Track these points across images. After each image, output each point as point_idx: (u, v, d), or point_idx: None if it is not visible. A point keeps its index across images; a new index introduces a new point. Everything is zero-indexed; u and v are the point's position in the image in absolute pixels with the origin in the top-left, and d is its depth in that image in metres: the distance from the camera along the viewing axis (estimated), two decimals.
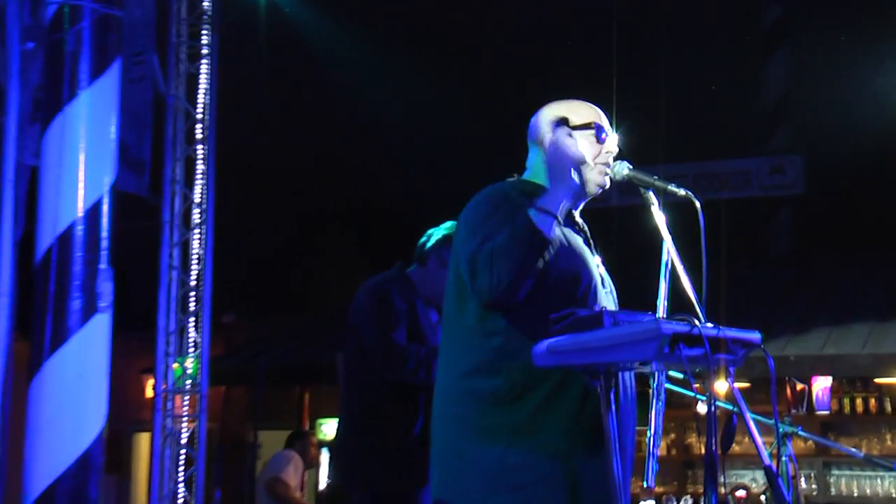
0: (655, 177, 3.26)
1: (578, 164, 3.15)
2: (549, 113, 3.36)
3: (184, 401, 9.08)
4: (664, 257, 3.22)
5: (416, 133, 17.53)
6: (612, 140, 3.34)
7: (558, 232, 3.03)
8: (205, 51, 9.30)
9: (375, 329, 4.64)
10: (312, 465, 9.55)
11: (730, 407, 3.99)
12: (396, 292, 4.73)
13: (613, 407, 2.90)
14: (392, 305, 4.69)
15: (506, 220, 3.02)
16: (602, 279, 3.28)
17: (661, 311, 3.19)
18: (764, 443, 2.98)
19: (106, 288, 5.02)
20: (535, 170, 3.34)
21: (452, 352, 3.16)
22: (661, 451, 10.87)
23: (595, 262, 3.28)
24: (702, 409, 3.01)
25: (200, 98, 9.29)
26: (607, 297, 3.27)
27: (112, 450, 15.62)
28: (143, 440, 14.56)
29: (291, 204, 18.61)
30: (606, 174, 3.29)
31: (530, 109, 3.45)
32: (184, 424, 9.03)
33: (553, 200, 3.03)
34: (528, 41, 17.55)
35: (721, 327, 2.92)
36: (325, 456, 13.53)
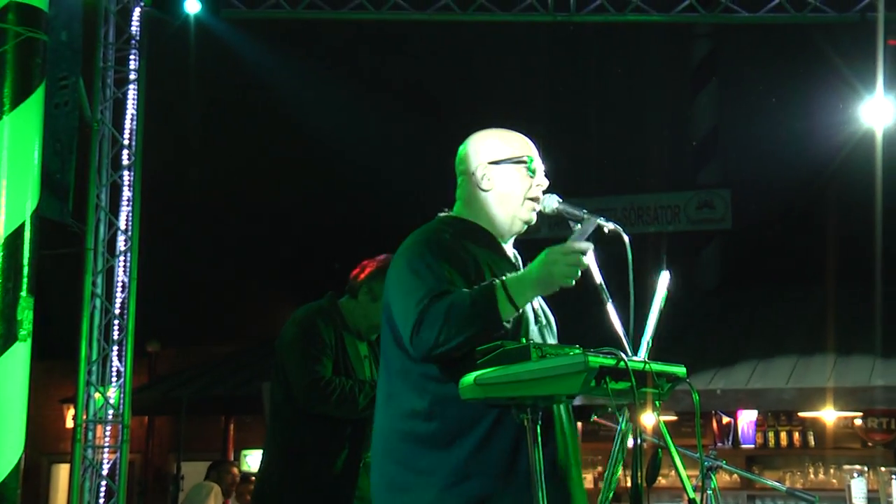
0: (584, 210, 3.24)
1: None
2: (481, 145, 3.30)
3: (105, 431, 8.91)
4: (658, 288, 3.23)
5: (346, 162, 17.50)
6: (543, 175, 3.31)
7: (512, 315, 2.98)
8: (132, 76, 9.22)
9: (300, 361, 4.58)
10: (231, 493, 9.45)
11: (655, 440, 3.99)
12: (324, 324, 4.67)
13: (551, 440, 2.91)
14: (319, 337, 4.63)
15: (449, 271, 2.99)
16: (536, 313, 3.25)
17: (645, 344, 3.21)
18: (690, 476, 2.98)
19: (26, 316, 4.89)
20: (466, 203, 3.29)
21: (390, 394, 3.13)
22: (588, 484, 10.90)
23: None
24: (630, 442, 3.00)
25: (127, 123, 9.20)
26: (543, 331, 3.24)
27: (30, 481, 15.31)
28: (63, 471, 14.29)
29: (218, 232, 18.45)
30: (534, 209, 3.26)
31: (456, 143, 3.41)
32: (105, 455, 8.85)
33: (525, 294, 2.95)
34: (458, 72, 17.63)
35: (647, 361, 2.91)
36: None
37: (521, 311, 2.95)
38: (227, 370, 13.38)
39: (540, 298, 3.31)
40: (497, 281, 2.93)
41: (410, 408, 3.04)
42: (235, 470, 9.46)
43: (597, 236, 3.28)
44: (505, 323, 2.91)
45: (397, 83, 17.83)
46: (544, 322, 3.29)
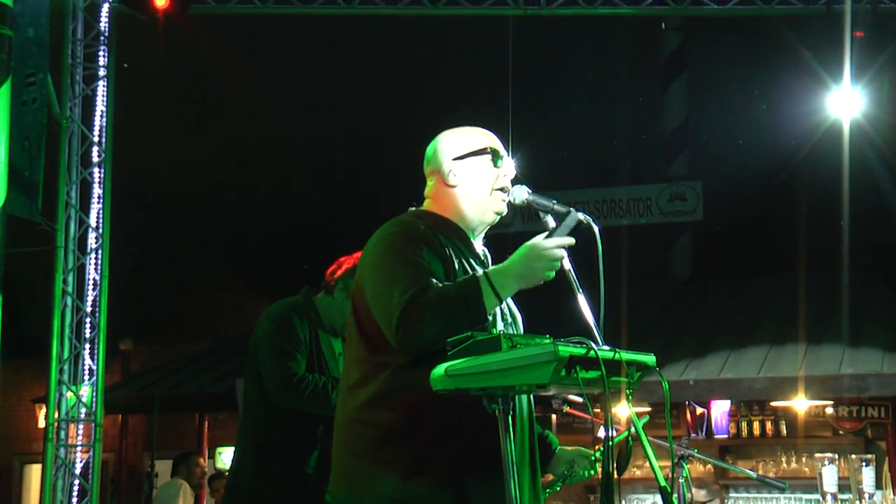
0: (554, 201, 3.25)
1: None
2: (444, 143, 3.32)
3: (78, 430, 8.87)
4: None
5: (319, 158, 17.46)
6: (509, 164, 3.32)
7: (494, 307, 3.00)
8: (101, 72, 9.17)
9: (273, 357, 4.55)
10: (200, 485, 9.42)
11: (626, 429, 4.01)
12: (299, 320, 4.65)
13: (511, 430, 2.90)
14: (293, 333, 4.60)
15: (428, 259, 3.00)
16: (501, 310, 3.25)
17: None
18: (662, 467, 2.99)
19: None
20: (435, 200, 3.30)
21: (350, 382, 3.12)
22: None
23: None
24: (603, 432, 3.00)
25: (97, 120, 9.15)
26: (508, 327, 3.25)
27: (2, 482, 15.16)
28: (35, 472, 14.18)
29: (191, 229, 18.37)
30: (504, 199, 3.27)
31: (426, 137, 3.42)
32: (77, 454, 8.81)
33: (508, 286, 2.98)
34: (427, 67, 17.62)
35: (617, 350, 2.92)
36: None
37: (501, 305, 2.98)
38: (201, 367, 13.34)
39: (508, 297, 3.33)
40: (481, 274, 2.96)
41: (369, 397, 3.04)
42: (202, 461, 9.41)
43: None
44: (487, 316, 2.94)
45: (368, 78, 17.80)
46: (510, 319, 3.30)
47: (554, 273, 3.00)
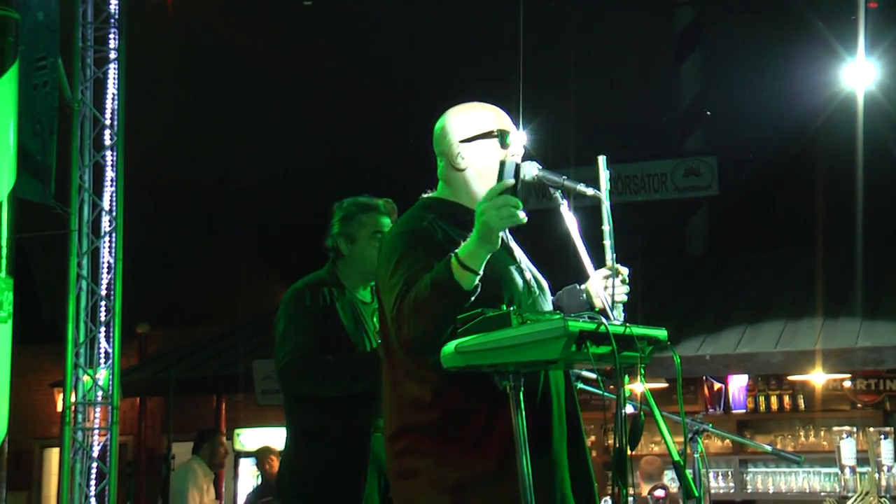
0: (565, 177, 3.25)
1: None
2: (451, 123, 3.29)
3: (95, 413, 8.90)
4: None
5: (335, 135, 17.43)
6: (517, 141, 3.29)
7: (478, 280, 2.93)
8: (112, 55, 9.16)
9: (280, 342, 4.36)
10: (221, 465, 9.47)
11: (634, 406, 3.99)
12: (312, 296, 4.44)
13: (546, 415, 2.95)
14: (303, 314, 4.40)
15: (425, 260, 2.97)
16: (529, 285, 3.23)
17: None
18: (678, 442, 2.98)
19: (6, 297, 4.88)
20: (447, 183, 3.29)
21: (394, 382, 3.14)
22: None
23: (519, 268, 3.24)
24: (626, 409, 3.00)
25: (108, 103, 9.15)
26: (538, 300, 3.23)
27: (22, 466, 15.24)
28: (55, 456, 14.29)
29: (205, 210, 18.38)
30: None
31: (437, 113, 3.39)
32: (95, 437, 8.84)
33: (475, 255, 2.88)
34: (437, 41, 17.55)
35: (628, 325, 2.90)
36: (245, 466, 13.45)
37: (480, 274, 2.88)
38: (218, 349, 13.37)
39: (532, 267, 3.31)
40: (452, 254, 2.89)
41: (413, 397, 3.06)
42: (223, 439, 9.41)
43: (578, 203, 3.28)
44: (471, 290, 2.87)
45: (380, 57, 17.74)
46: (538, 292, 3.27)
47: (517, 219, 2.85)
